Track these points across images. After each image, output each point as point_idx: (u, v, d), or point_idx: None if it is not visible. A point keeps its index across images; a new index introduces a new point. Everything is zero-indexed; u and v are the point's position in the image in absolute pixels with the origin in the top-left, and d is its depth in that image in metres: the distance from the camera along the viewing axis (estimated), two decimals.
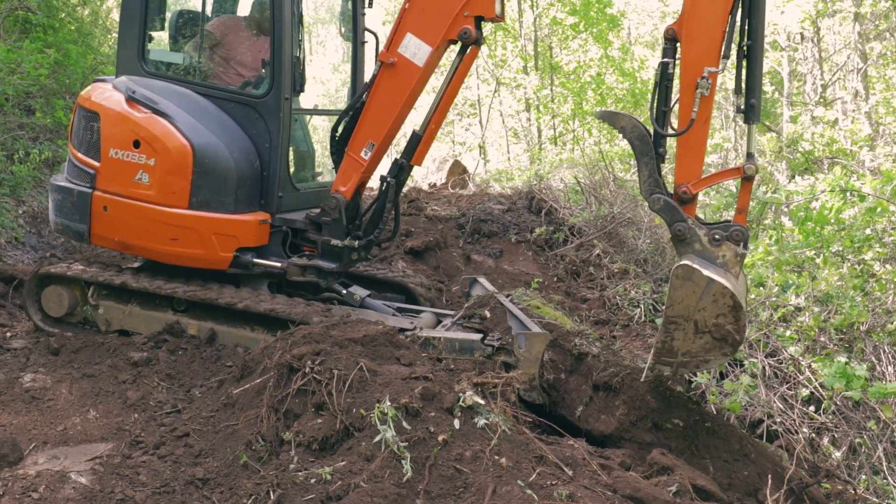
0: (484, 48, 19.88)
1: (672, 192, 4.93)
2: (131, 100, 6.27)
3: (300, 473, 4.26)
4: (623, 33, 20.82)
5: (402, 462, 4.28)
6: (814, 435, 6.11)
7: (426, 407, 4.60)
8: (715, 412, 6.43)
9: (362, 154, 6.20)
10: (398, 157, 6.37)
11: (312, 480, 4.19)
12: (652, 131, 4.99)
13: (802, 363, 6.42)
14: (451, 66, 6.15)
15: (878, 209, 7.26)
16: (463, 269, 9.46)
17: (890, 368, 6.39)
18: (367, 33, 7.29)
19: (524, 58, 19.75)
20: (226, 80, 6.69)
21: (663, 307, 4.83)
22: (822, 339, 6.76)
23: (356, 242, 6.36)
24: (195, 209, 6.21)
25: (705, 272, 4.65)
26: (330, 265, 6.41)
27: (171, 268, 6.47)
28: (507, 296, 6.80)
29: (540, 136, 19.93)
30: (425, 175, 14.83)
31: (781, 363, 6.70)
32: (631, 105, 17.59)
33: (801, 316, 6.94)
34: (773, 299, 7.16)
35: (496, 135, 21.29)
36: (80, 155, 6.51)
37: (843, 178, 8.10)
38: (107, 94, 6.47)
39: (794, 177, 12.21)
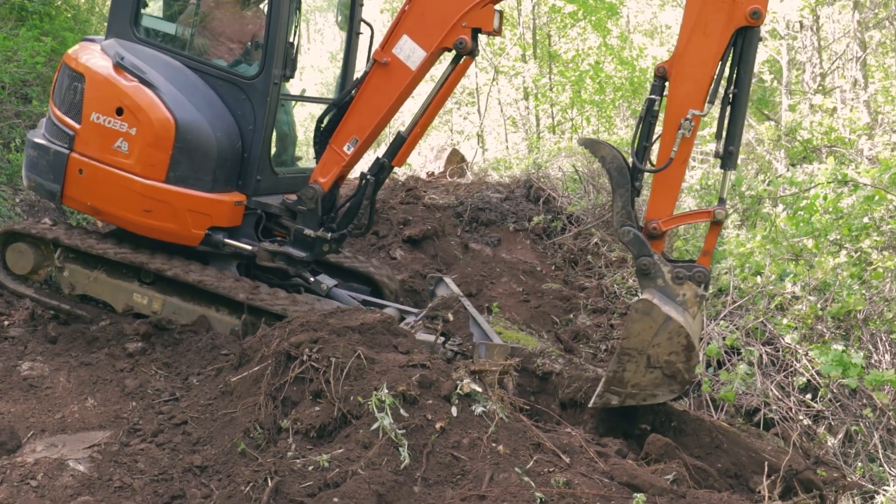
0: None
1: (642, 226, 5.01)
2: (119, 66, 6.21)
3: (298, 461, 4.26)
4: (622, 21, 20.77)
5: (400, 449, 4.29)
6: (810, 423, 6.13)
7: (424, 394, 4.61)
8: (709, 402, 6.46)
9: (345, 148, 6.21)
10: (380, 156, 6.38)
11: (310, 468, 4.20)
12: (630, 164, 5.05)
13: (799, 351, 6.44)
14: (443, 73, 6.16)
15: (876, 197, 7.26)
16: (461, 257, 9.47)
17: (886, 356, 6.41)
18: (363, 24, 7.26)
19: (523, 46, 19.70)
20: (216, 55, 6.63)
21: (619, 338, 4.91)
22: (819, 327, 6.77)
23: (329, 234, 6.38)
24: (172, 184, 6.18)
25: (664, 308, 4.75)
26: (300, 254, 6.42)
27: (140, 238, 6.43)
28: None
29: (538, 124, 19.89)
30: (423, 164, 14.81)
31: (778, 351, 6.71)
32: (629, 93, 17.56)
33: (798, 304, 6.95)
34: (770, 288, 7.17)
35: (494, 123, 21.25)
36: (60, 114, 6.46)
37: (837, 169, 8.10)
38: (95, 56, 6.40)
39: (793, 165, 12.21)
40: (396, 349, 5.20)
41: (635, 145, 5.05)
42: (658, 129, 5.07)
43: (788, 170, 10.71)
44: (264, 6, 6.75)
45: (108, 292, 6.41)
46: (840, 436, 5.89)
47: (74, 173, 6.33)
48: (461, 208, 10.54)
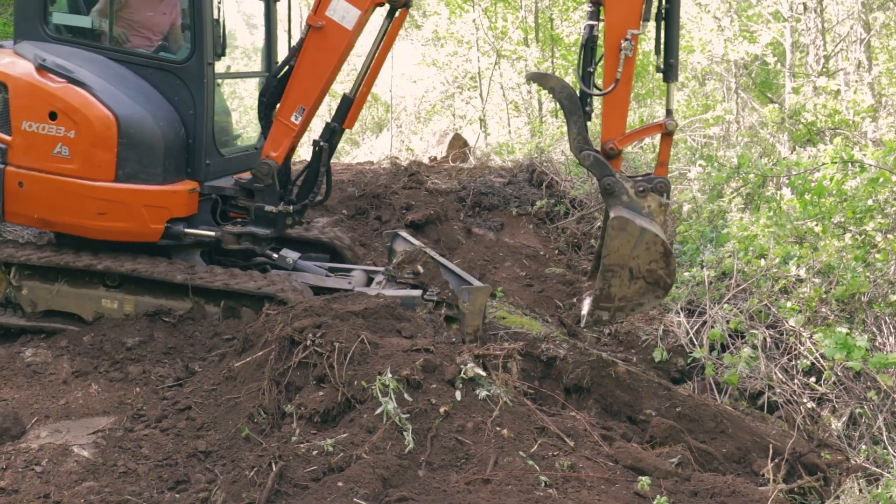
0: (484, 20, 19.72)
1: (599, 148, 5.25)
2: (42, 68, 5.91)
3: (302, 445, 4.27)
4: None
5: (404, 434, 4.29)
6: (814, 406, 6.12)
7: (427, 379, 4.61)
8: (713, 386, 6.45)
9: (293, 119, 6.15)
10: (329, 121, 6.33)
11: (314, 452, 4.20)
12: (579, 91, 5.29)
13: (804, 334, 6.42)
14: (380, 29, 6.13)
15: (881, 180, 7.21)
16: (464, 242, 9.45)
17: (891, 339, 6.39)
18: None
19: (525, 30, 19.58)
20: (135, 45, 6.44)
21: (602, 258, 5.13)
22: (824, 310, 6.75)
23: (290, 207, 6.33)
24: (123, 182, 5.96)
25: (638, 222, 5.01)
26: (265, 231, 6.36)
27: (97, 242, 6.21)
28: None
29: (541, 108, 19.79)
30: (426, 149, 14.76)
31: (782, 334, 6.69)
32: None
33: (802, 287, 6.92)
34: (774, 271, 7.14)
35: (497, 108, 21.16)
36: None
37: (844, 149, 8.04)
38: (11, 62, 6.10)
39: (794, 148, 12.15)
40: (400, 333, 5.20)
41: (580, 72, 5.31)
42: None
43: (793, 152, 10.66)
44: None
45: (74, 303, 6.17)
46: (844, 418, 5.89)
47: (13, 187, 6.04)
48: (464, 193, 10.51)
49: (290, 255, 6.64)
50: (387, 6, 5.99)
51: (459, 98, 21.55)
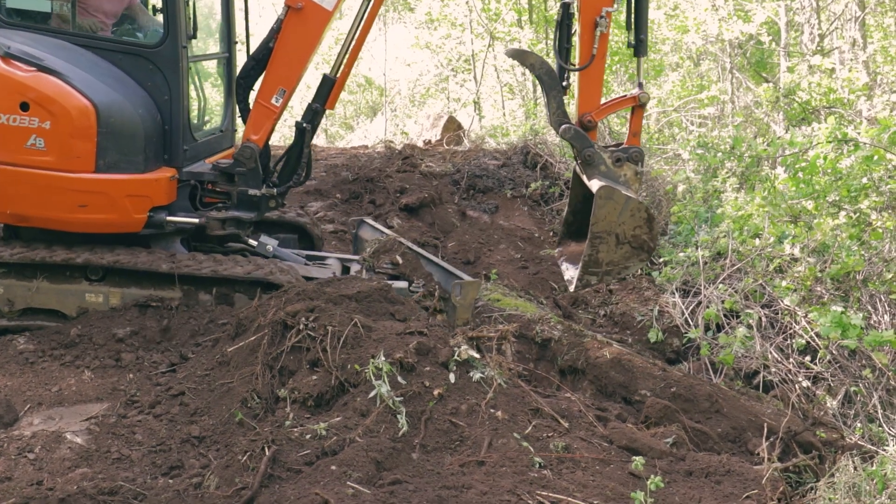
0: (477, 2, 19.58)
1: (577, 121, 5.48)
2: (8, 56, 5.67)
3: (295, 429, 4.26)
4: None
5: (398, 416, 4.29)
6: (809, 384, 6.12)
7: (421, 362, 4.60)
8: (708, 366, 6.44)
9: (273, 101, 6.10)
10: (312, 101, 6.28)
11: (308, 436, 4.19)
12: (556, 67, 5.54)
13: (799, 313, 6.41)
14: (360, 8, 6.09)
15: (875, 157, 7.17)
16: (458, 224, 9.42)
17: (886, 317, 6.39)
18: None
19: (518, 11, 19.47)
20: (91, 29, 6.26)
21: (591, 225, 5.33)
22: (819, 288, 6.74)
23: (274, 190, 6.29)
24: (103, 172, 5.81)
25: (623, 191, 5.25)
26: (248, 215, 6.32)
27: (71, 234, 6.04)
28: None
29: (535, 90, 19.70)
30: (420, 132, 14.69)
31: (777, 314, 6.68)
32: (626, 58, 17.38)
33: (797, 266, 6.91)
34: (769, 250, 7.13)
35: (491, 90, 21.07)
36: None
37: (838, 127, 8.00)
38: None
39: (789, 128, 12.11)
40: (393, 317, 5.18)
41: (557, 47, 5.58)
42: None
43: (787, 131, 10.62)
44: None
45: (56, 299, 5.96)
46: (839, 397, 5.89)
47: None
48: (458, 176, 10.46)
49: (270, 242, 6.60)
50: None
51: (453, 81, 21.47)
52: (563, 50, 5.54)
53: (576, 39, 5.49)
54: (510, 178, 10.61)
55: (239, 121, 6.69)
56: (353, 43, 6.16)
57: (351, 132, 19.50)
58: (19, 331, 5.90)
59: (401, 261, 6.19)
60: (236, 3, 7.07)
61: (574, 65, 5.46)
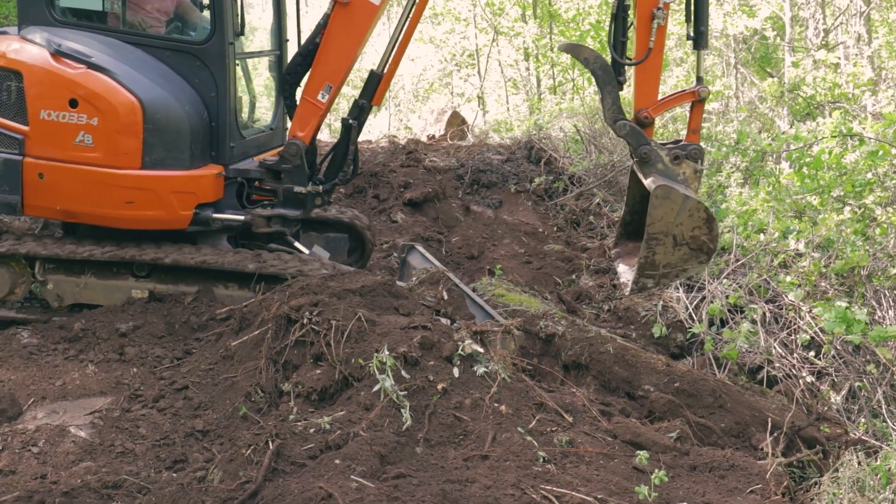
0: None
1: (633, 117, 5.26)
2: (58, 54, 5.74)
3: (299, 423, 4.26)
4: None
5: (402, 411, 4.28)
6: (813, 379, 6.11)
7: (425, 356, 4.60)
8: (712, 361, 6.43)
9: (319, 97, 6.04)
10: (358, 98, 6.24)
11: (311, 430, 4.19)
12: (611, 61, 5.30)
13: (803, 308, 6.40)
14: (407, 3, 6.01)
15: (880, 153, 7.16)
16: (462, 219, 9.41)
17: (890, 312, 6.38)
18: None
19: (522, 6, 19.43)
20: (147, 27, 6.31)
21: (647, 226, 5.10)
22: (823, 284, 6.73)
23: (319, 187, 6.25)
24: (150, 168, 5.83)
25: (681, 190, 5.02)
26: (294, 212, 6.27)
27: (119, 231, 6.09)
28: (473, 288, 6.62)
29: (539, 85, 19.69)
30: (424, 127, 14.68)
31: (781, 309, 6.67)
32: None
33: (801, 261, 6.90)
34: (774, 245, 7.11)
35: (495, 85, 21.04)
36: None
37: (843, 122, 7.99)
38: (23, 48, 5.89)
39: (794, 123, 12.08)
40: (397, 311, 5.17)
41: (612, 41, 5.31)
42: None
43: (792, 126, 10.60)
44: None
45: (103, 295, 6.05)
46: (843, 392, 5.88)
47: (33, 179, 5.86)
48: (462, 171, 10.45)
49: (322, 255, 6.54)
50: None
51: (457, 76, 21.44)
52: (619, 44, 5.27)
53: (631, 32, 5.27)
54: (514, 173, 10.59)
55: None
56: (400, 38, 6.10)
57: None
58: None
59: (446, 296, 5.97)
60: (288, 1, 7.04)
61: (630, 59, 5.22)
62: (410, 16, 6.06)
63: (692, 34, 5.22)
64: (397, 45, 6.12)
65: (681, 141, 5.29)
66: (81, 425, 4.60)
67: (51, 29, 6.00)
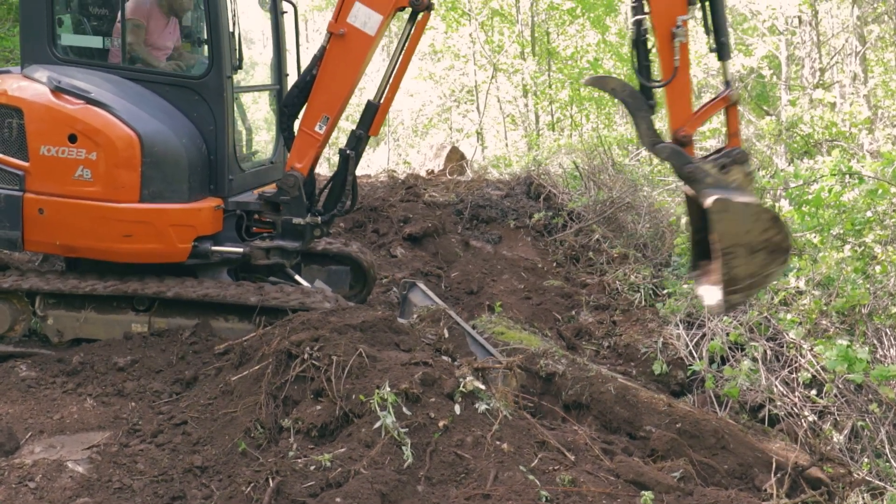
0: (481, 34, 19.75)
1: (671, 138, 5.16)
2: (58, 90, 5.80)
3: (299, 460, 4.22)
4: (620, 18, 20.73)
5: (403, 448, 4.24)
6: (815, 419, 6.07)
7: (426, 392, 4.56)
8: (713, 399, 6.40)
9: (317, 128, 6.06)
10: (355, 128, 6.27)
11: (312, 467, 4.15)
12: (639, 87, 5.23)
13: (804, 346, 6.38)
14: (402, 33, 6.06)
15: (879, 191, 7.20)
16: (462, 254, 9.41)
17: (892, 351, 6.36)
18: (285, 4, 7.05)
19: (521, 43, 19.64)
20: (151, 64, 6.38)
21: (715, 244, 4.95)
22: (824, 322, 6.72)
23: (318, 218, 6.25)
24: (148, 202, 5.85)
25: (738, 199, 4.89)
26: (293, 244, 6.26)
27: (121, 265, 6.10)
28: (473, 326, 6.61)
29: (538, 121, 19.84)
30: (423, 162, 14.75)
31: (782, 347, 6.66)
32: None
33: (802, 299, 6.89)
34: (774, 283, 7.11)
35: (494, 121, 21.19)
36: (0, 156, 6.00)
37: (842, 161, 8.04)
38: (24, 85, 5.97)
39: (792, 160, 12.15)
40: (398, 347, 5.15)
41: (637, 67, 5.24)
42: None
43: (791, 163, 10.66)
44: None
45: (102, 330, 6.05)
46: (846, 432, 5.84)
47: (33, 214, 5.89)
48: (461, 206, 10.49)
49: (324, 288, 6.51)
50: (409, 10, 5.91)
51: (456, 111, 21.60)
52: (644, 68, 5.21)
53: (654, 55, 5.21)
54: (513, 208, 10.63)
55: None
56: (396, 69, 6.15)
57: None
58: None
59: (447, 334, 5.97)
60: (288, 36, 7.12)
61: (658, 81, 5.17)
62: (406, 46, 6.11)
63: (713, 47, 5.16)
64: (393, 75, 6.17)
65: (723, 149, 5.20)
66: (79, 460, 4.55)
67: (52, 67, 6.06)
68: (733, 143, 5.11)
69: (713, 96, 5.28)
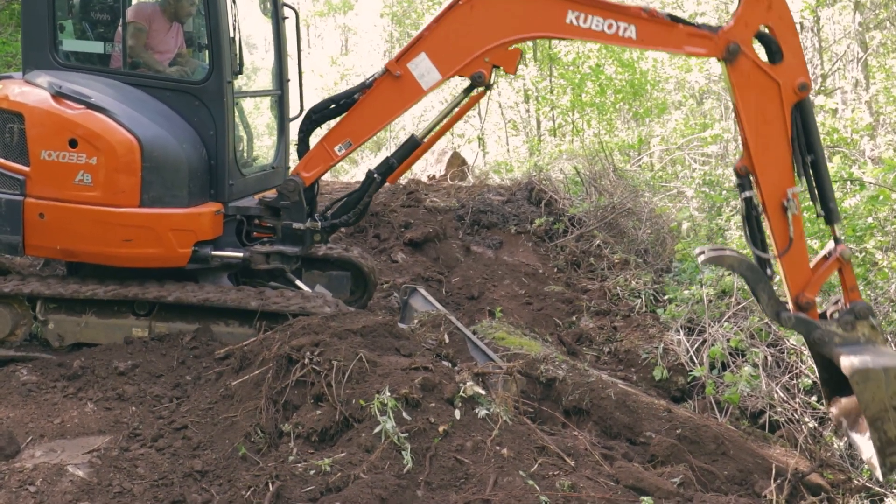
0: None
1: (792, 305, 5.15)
2: (59, 95, 5.83)
3: (299, 465, 4.22)
4: None
5: (403, 453, 4.25)
6: (816, 425, 6.07)
7: (426, 397, 4.57)
8: (714, 404, 6.41)
9: (336, 149, 6.06)
10: (390, 156, 6.27)
11: (312, 472, 4.16)
12: (754, 259, 5.23)
13: (805, 352, 6.38)
14: (455, 100, 6.06)
15: (881, 197, 7.20)
16: (462, 260, 9.42)
17: None
18: (286, 9, 7.05)
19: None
20: (153, 68, 6.40)
21: (862, 411, 4.84)
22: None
23: (318, 224, 6.25)
24: (148, 206, 5.87)
25: (876, 364, 4.78)
26: (293, 249, 6.26)
27: (122, 269, 6.10)
28: (473, 331, 6.61)
29: (539, 127, 19.84)
30: (424, 167, 14.77)
31: (783, 353, 6.66)
32: (630, 96, 17.52)
33: None
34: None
35: (495, 127, 21.21)
36: (1, 160, 6.04)
37: (844, 167, 8.05)
38: (25, 91, 5.99)
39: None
40: (398, 352, 5.16)
41: (752, 240, 5.23)
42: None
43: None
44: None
45: (103, 334, 6.05)
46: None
47: (34, 219, 5.90)
48: (462, 211, 10.49)
49: (325, 293, 6.52)
50: (468, 81, 5.85)
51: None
52: (758, 241, 5.21)
53: (766, 225, 5.22)
54: (514, 213, 10.64)
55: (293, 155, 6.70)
56: (445, 121, 6.15)
57: (355, 167, 19.59)
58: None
59: (447, 339, 5.96)
60: (290, 42, 7.13)
61: (775, 254, 5.15)
62: (453, 113, 6.12)
63: (820, 212, 5.18)
64: (441, 125, 6.17)
65: (840, 301, 5.15)
66: (79, 464, 4.55)
67: (54, 72, 6.08)
68: (853, 297, 5.07)
69: (825, 254, 5.20)
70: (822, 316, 5.16)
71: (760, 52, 5.13)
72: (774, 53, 5.04)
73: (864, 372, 4.75)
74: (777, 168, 5.05)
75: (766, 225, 5.19)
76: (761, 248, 5.21)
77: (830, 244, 5.17)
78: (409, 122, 20.10)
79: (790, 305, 5.13)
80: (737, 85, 5.07)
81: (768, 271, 5.21)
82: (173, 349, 5.91)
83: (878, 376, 4.73)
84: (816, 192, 5.14)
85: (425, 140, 6.19)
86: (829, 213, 5.14)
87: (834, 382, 5.21)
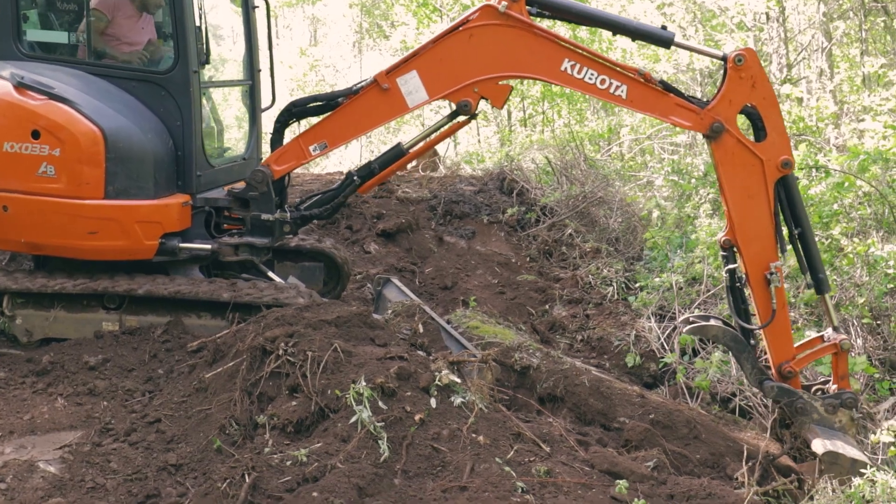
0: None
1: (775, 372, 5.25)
2: (21, 86, 5.72)
3: (275, 456, 4.22)
4: None
5: (379, 442, 4.26)
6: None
7: (402, 386, 4.58)
8: (685, 390, 6.48)
9: (311, 148, 6.01)
10: (372, 161, 6.24)
11: (288, 462, 4.15)
12: (739, 329, 5.33)
13: None
14: (436, 124, 6.02)
15: (846, 184, 7.31)
16: (435, 250, 9.43)
17: (858, 341, 6.47)
18: None
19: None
20: (119, 59, 6.32)
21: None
22: (792, 314, 6.81)
23: (287, 215, 6.20)
24: (113, 198, 5.79)
25: (846, 453, 4.89)
26: (262, 240, 6.21)
27: (91, 263, 6.04)
28: (448, 320, 6.61)
29: (510, 118, 19.88)
30: None
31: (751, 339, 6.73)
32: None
33: None
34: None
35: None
36: None
37: (809, 155, 8.15)
38: None
39: None
40: (373, 342, 5.16)
41: (735, 311, 5.34)
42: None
43: None
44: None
45: (73, 329, 5.99)
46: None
47: None
48: (435, 202, 10.49)
49: (300, 285, 6.46)
50: (453, 106, 5.82)
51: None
52: (742, 312, 5.33)
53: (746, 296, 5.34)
54: (486, 203, 10.66)
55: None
56: (413, 150, 6.09)
57: (326, 158, 19.50)
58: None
59: (422, 329, 5.96)
60: (260, 32, 7.05)
61: (758, 324, 5.27)
62: (433, 136, 6.10)
63: (811, 283, 5.29)
64: (426, 141, 6.13)
65: (827, 383, 5.28)
66: (51, 460, 4.50)
67: (18, 63, 5.98)
68: (843, 385, 5.19)
69: (819, 333, 5.32)
70: (805, 388, 5.31)
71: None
72: (759, 130, 5.15)
73: (834, 455, 4.88)
74: (760, 242, 5.16)
75: (749, 296, 5.31)
76: (745, 319, 5.32)
77: (829, 331, 5.28)
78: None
79: (773, 373, 5.26)
80: (720, 161, 5.17)
81: (752, 342, 5.34)
82: (145, 343, 5.86)
83: (846, 464, 4.87)
84: (806, 264, 5.25)
85: (410, 151, 6.12)
86: (819, 284, 5.24)
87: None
